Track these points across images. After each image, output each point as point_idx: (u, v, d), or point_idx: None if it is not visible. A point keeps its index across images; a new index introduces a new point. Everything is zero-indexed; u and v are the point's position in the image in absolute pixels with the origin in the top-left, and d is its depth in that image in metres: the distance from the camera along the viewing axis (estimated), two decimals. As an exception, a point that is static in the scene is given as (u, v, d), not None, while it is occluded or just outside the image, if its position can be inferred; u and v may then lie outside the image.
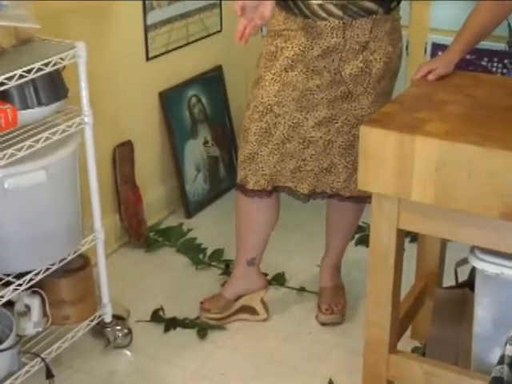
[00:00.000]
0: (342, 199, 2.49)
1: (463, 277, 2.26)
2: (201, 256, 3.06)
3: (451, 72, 2.16)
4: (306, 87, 2.32)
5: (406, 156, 1.81)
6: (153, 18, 3.09)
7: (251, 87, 2.42)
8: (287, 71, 2.32)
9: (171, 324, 2.67)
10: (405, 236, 2.04)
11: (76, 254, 2.34)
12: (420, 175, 1.80)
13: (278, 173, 2.44)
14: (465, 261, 2.05)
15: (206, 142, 3.45)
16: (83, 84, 2.23)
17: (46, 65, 2.08)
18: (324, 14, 2.24)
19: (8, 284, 2.17)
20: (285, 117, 2.36)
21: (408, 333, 2.43)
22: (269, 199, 2.48)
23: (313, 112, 2.35)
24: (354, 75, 2.31)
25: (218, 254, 3.05)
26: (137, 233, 3.13)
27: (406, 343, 2.43)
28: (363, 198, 2.48)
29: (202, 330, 2.64)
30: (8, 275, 2.19)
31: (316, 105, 2.34)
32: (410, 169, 1.81)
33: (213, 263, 3.02)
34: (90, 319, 2.45)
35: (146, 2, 3.03)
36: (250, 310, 2.69)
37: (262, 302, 2.70)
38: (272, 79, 2.34)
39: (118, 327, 2.54)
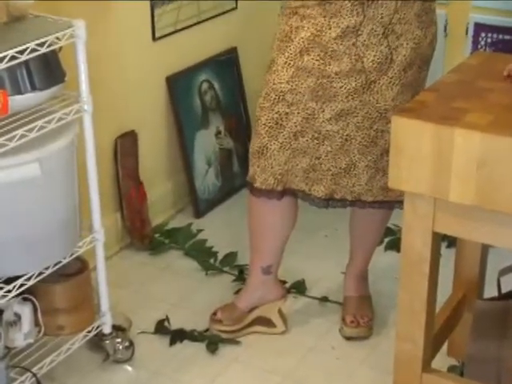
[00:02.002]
0: (364, 205, 2.48)
1: (507, 287, 2.25)
2: (211, 260, 3.06)
3: (495, 57, 2.14)
4: (322, 74, 2.31)
5: (443, 150, 1.80)
6: (160, -7, 3.09)
7: (264, 72, 2.42)
8: (302, 55, 2.31)
9: (178, 336, 2.68)
10: (441, 240, 2.04)
11: (73, 257, 2.35)
12: (459, 172, 1.80)
13: (289, 172, 2.43)
14: (509, 269, 2.04)
15: (218, 133, 3.45)
16: (82, 67, 2.24)
17: (41, 45, 2.08)
18: None
19: (-4, 290, 2.18)
20: (298, 106, 2.36)
21: (444, 349, 2.42)
22: (282, 202, 2.47)
23: (330, 103, 2.34)
24: (377, 63, 2.30)
25: (230, 258, 3.06)
26: (140, 234, 3.13)
27: (442, 361, 2.42)
28: (389, 204, 2.47)
29: (213, 343, 2.64)
30: (-4, 280, 2.20)
31: (333, 95, 2.33)
32: (447, 165, 1.80)
33: (225, 268, 3.02)
34: (87, 330, 2.46)
35: (153, -25, 3.04)
36: (267, 322, 2.69)
37: (280, 312, 2.70)
38: (285, 63, 2.33)
39: (119, 339, 2.54)
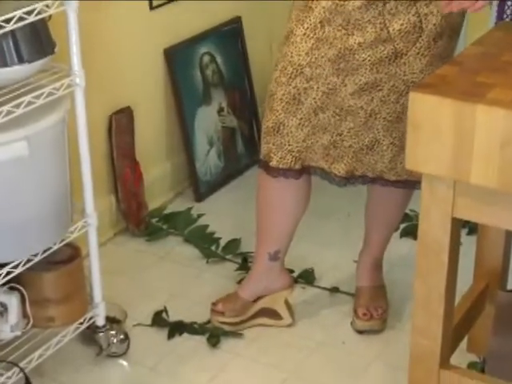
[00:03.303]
0: (387, 184, 2.48)
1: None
2: (213, 247, 3.07)
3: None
4: (345, 45, 2.30)
5: (464, 129, 1.79)
6: (158, -42, 3.08)
7: (280, 44, 2.41)
8: (323, 25, 2.30)
9: (176, 329, 2.68)
10: (461, 227, 2.03)
11: (63, 243, 2.35)
12: (481, 152, 1.79)
13: (309, 149, 2.43)
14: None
15: (220, 110, 3.44)
16: (73, 38, 2.23)
17: (29, 13, 2.07)
18: None
19: (-19, 278, 2.18)
20: (318, 81, 2.35)
21: (463, 344, 2.42)
22: (297, 181, 2.47)
23: (352, 76, 2.34)
24: (405, 32, 2.29)
25: (233, 245, 3.06)
26: (136, 218, 3.13)
27: (461, 357, 2.42)
28: (412, 183, 2.47)
29: (214, 336, 2.65)
30: (-19, 267, 2.20)
31: (356, 67, 2.33)
32: (469, 145, 1.80)
33: (227, 256, 3.03)
34: (78, 322, 2.46)
35: None
36: (272, 314, 2.69)
37: (287, 304, 2.70)
38: (304, 34, 2.33)
39: (113, 332, 2.55)
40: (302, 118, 2.40)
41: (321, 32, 2.31)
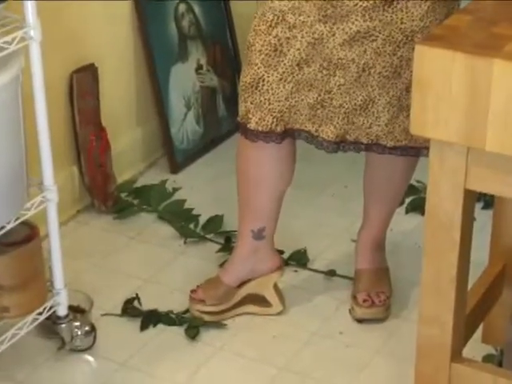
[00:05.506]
0: (384, 150, 2.48)
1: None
2: (191, 225, 3.07)
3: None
4: None
5: (479, 87, 1.79)
6: None
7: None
8: (307, -37, 2.30)
9: (150, 319, 2.69)
10: (476, 200, 2.03)
11: (18, 222, 2.34)
12: (498, 115, 1.79)
13: (292, 109, 2.42)
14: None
15: (199, 68, 3.43)
16: (27, -16, 2.21)
17: (-25, -44, 2.06)
18: None
19: None
20: (302, 29, 2.35)
21: (478, 335, 2.43)
22: (279, 145, 2.46)
23: (342, 24, 2.33)
24: None
25: (215, 222, 3.07)
26: (103, 193, 3.13)
27: (476, 349, 2.44)
28: (414, 150, 2.47)
29: (193, 327, 2.65)
30: None
31: (346, 14, 2.32)
32: (484, 106, 1.79)
33: (208, 235, 3.03)
34: (37, 312, 2.46)
35: None
36: (259, 301, 2.71)
37: (276, 289, 2.71)
38: None
39: (77, 323, 2.55)
40: (284, 73, 2.39)
41: None
